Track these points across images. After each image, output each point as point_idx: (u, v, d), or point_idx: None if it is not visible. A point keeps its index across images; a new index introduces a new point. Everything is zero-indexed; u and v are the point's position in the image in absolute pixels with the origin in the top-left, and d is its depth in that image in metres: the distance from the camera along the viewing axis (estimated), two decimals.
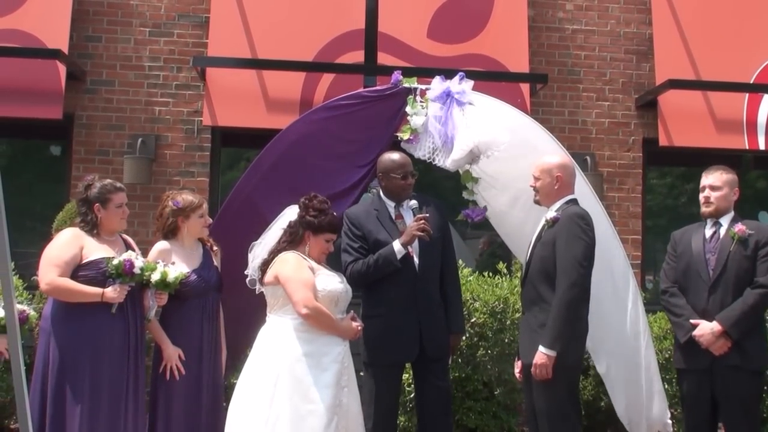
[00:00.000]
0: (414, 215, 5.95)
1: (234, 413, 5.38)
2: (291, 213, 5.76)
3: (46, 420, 5.40)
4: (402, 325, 5.88)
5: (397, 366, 6.04)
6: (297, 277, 5.40)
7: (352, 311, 5.65)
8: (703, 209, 5.98)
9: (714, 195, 5.91)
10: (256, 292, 5.74)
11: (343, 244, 6.06)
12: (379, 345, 5.90)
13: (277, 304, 5.48)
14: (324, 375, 5.30)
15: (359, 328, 5.60)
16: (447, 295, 6.08)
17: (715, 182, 5.93)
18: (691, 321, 5.78)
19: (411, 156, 6.23)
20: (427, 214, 5.92)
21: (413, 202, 6.00)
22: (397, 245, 5.84)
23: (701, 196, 6.00)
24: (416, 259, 5.94)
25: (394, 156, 6.11)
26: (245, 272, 5.82)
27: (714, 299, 5.76)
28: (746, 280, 5.73)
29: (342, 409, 5.32)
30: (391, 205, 6.08)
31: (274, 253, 5.59)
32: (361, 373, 5.94)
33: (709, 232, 5.94)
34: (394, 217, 6.04)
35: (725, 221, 5.90)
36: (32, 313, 5.69)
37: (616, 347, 6.39)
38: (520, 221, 6.44)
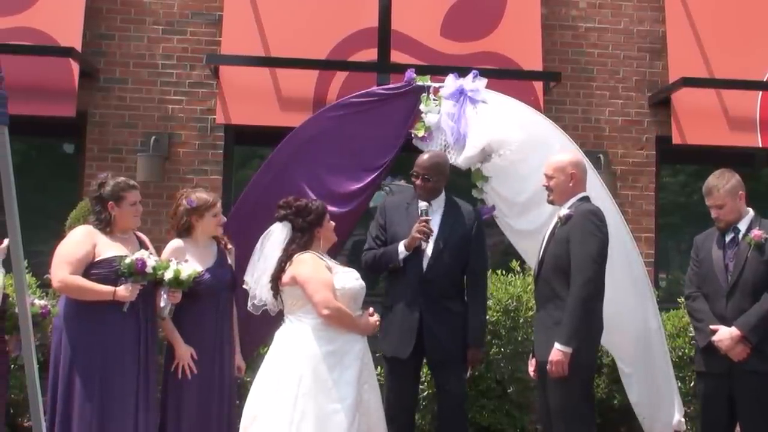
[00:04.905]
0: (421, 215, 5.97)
1: (255, 415, 5.35)
2: (278, 234, 5.64)
3: (57, 417, 5.43)
4: (400, 321, 5.95)
5: (400, 361, 6.00)
6: (316, 278, 5.39)
7: (370, 307, 5.64)
8: (716, 225, 5.96)
9: (721, 212, 5.86)
10: (272, 314, 5.67)
11: (370, 228, 6.25)
12: (383, 337, 5.98)
13: (296, 304, 5.45)
14: (346, 373, 5.31)
15: (377, 322, 5.61)
16: (468, 305, 6.06)
17: (716, 202, 5.86)
18: (711, 327, 5.75)
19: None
20: (429, 217, 5.93)
21: (423, 204, 6.00)
22: (401, 246, 5.94)
23: (711, 211, 5.96)
24: (426, 259, 5.95)
25: (421, 155, 6.14)
26: (248, 307, 5.72)
27: (732, 305, 5.73)
28: (763, 286, 5.70)
29: (363, 405, 5.34)
30: (420, 202, 6.06)
31: (283, 261, 5.53)
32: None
33: (727, 237, 5.90)
34: (419, 214, 6.01)
35: (743, 225, 5.87)
36: (54, 308, 5.72)
37: (630, 345, 6.38)
38: (530, 220, 6.43)
